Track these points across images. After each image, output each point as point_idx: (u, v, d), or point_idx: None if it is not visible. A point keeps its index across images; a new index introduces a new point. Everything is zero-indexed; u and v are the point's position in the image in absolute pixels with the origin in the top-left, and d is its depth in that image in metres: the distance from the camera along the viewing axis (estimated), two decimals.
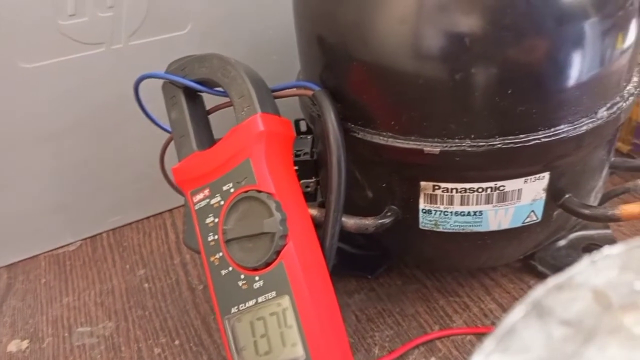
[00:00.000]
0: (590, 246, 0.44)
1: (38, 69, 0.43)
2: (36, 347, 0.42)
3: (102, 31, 0.44)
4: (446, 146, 0.32)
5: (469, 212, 0.34)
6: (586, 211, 0.35)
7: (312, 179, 0.41)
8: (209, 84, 0.35)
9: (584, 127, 0.32)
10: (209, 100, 0.37)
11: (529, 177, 0.33)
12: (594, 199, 0.39)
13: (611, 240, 0.44)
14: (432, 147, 0.32)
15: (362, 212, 0.35)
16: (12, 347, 0.42)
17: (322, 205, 0.35)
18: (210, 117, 0.37)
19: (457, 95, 0.31)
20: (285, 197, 0.32)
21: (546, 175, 0.33)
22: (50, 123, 0.46)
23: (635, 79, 0.36)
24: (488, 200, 0.34)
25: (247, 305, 0.32)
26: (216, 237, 0.33)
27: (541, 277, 0.42)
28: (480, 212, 0.34)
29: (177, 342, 0.41)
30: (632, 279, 0.16)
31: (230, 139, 0.33)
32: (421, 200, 0.35)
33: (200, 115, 0.36)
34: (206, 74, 0.35)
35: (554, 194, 0.35)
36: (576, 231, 0.44)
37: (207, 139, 0.36)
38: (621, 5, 0.31)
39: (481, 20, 0.29)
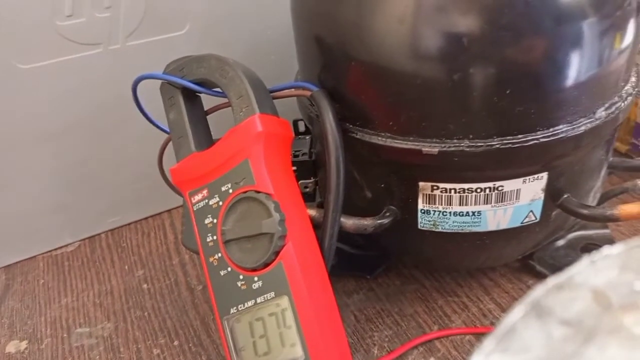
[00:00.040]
0: (589, 246, 0.44)
1: (35, 69, 0.43)
2: (35, 348, 0.42)
3: (99, 32, 0.44)
4: (445, 146, 0.32)
5: (467, 213, 0.34)
6: (585, 211, 0.35)
7: (310, 179, 0.41)
8: (207, 85, 0.35)
9: (583, 127, 0.32)
10: (208, 100, 0.37)
11: (527, 177, 0.33)
12: (592, 199, 0.39)
13: (610, 240, 0.44)
14: (430, 148, 0.32)
15: (360, 212, 0.35)
16: (11, 347, 0.42)
17: (320, 206, 0.35)
18: (209, 117, 0.37)
19: (456, 95, 0.31)
20: (284, 197, 0.32)
21: (545, 176, 0.33)
22: (48, 124, 0.46)
23: (633, 79, 0.36)
24: (487, 201, 0.34)
25: (246, 305, 0.32)
26: (215, 237, 0.33)
27: (540, 277, 0.42)
28: (479, 212, 0.34)
29: (176, 343, 0.41)
30: (632, 279, 0.16)
31: (228, 140, 0.33)
32: (420, 201, 0.35)
33: (199, 116, 0.36)
34: (204, 75, 0.35)
35: (552, 194, 0.35)
36: (575, 231, 0.44)
37: (205, 140, 0.36)
38: (619, 5, 0.31)
39: (479, 20, 0.29)
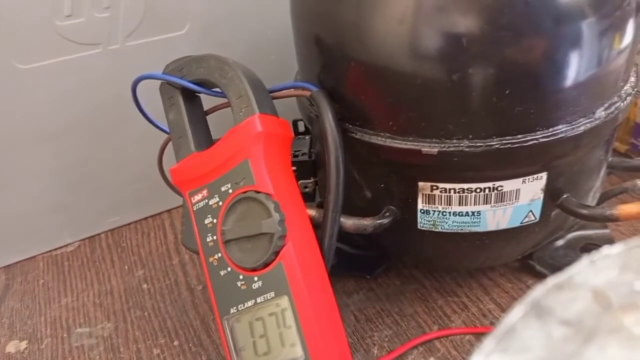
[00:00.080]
0: (589, 246, 0.44)
1: (35, 69, 0.43)
2: (35, 347, 0.42)
3: (99, 32, 0.44)
4: (444, 146, 0.32)
5: (467, 213, 0.34)
6: (584, 211, 0.35)
7: (310, 179, 0.41)
8: (207, 85, 0.35)
9: (582, 127, 0.32)
10: (208, 100, 0.37)
11: (527, 177, 0.33)
12: (592, 199, 0.39)
13: (609, 240, 0.44)
14: (430, 148, 0.32)
15: (360, 212, 0.35)
16: (11, 347, 0.42)
17: (320, 206, 0.35)
18: (209, 117, 0.37)
19: (455, 95, 0.31)
20: (284, 197, 0.32)
21: (544, 176, 0.33)
22: (48, 124, 0.46)
23: (632, 79, 0.36)
24: (486, 201, 0.34)
25: (246, 305, 0.32)
26: (215, 237, 0.33)
27: (539, 277, 0.42)
28: (479, 212, 0.34)
29: (176, 343, 0.41)
30: (632, 279, 0.16)
31: (228, 140, 0.33)
32: (419, 201, 0.35)
33: (198, 116, 0.36)
34: (204, 75, 0.35)
35: (552, 194, 0.35)
36: (574, 231, 0.44)
37: (205, 140, 0.36)
38: (618, 5, 0.31)
39: (479, 21, 0.29)
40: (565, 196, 0.35)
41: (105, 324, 0.44)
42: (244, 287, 0.32)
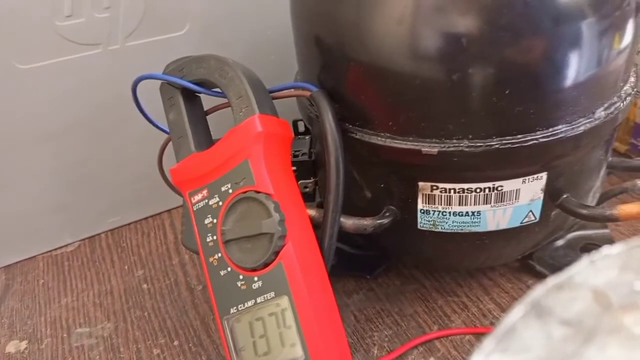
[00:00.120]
0: (589, 246, 0.44)
1: (35, 69, 0.43)
2: (35, 347, 0.42)
3: (99, 32, 0.44)
4: (444, 147, 0.32)
5: (467, 213, 0.34)
6: (584, 211, 0.35)
7: (310, 179, 0.41)
8: (207, 85, 0.35)
9: (582, 127, 0.32)
10: (208, 100, 0.37)
11: (527, 177, 0.33)
12: (591, 199, 0.39)
13: (609, 240, 0.44)
14: (430, 148, 0.32)
15: (360, 212, 0.35)
16: (11, 347, 0.42)
17: (320, 206, 0.35)
18: (209, 117, 0.37)
19: (455, 95, 0.31)
20: (284, 197, 0.32)
21: (544, 176, 0.34)
22: (48, 124, 0.46)
23: (632, 79, 0.36)
24: (486, 201, 0.34)
25: (246, 305, 0.32)
26: (215, 237, 0.33)
27: (539, 277, 0.42)
28: (479, 212, 0.34)
29: (176, 343, 0.41)
30: (632, 279, 0.16)
31: (228, 140, 0.33)
32: (419, 201, 0.35)
33: (199, 116, 0.36)
34: (204, 75, 0.35)
35: (552, 194, 0.35)
36: (574, 231, 0.44)
37: (205, 140, 0.36)
38: (618, 6, 0.31)
39: (478, 21, 0.29)
40: (565, 196, 0.35)
41: (105, 324, 0.44)
42: (244, 287, 0.32)
